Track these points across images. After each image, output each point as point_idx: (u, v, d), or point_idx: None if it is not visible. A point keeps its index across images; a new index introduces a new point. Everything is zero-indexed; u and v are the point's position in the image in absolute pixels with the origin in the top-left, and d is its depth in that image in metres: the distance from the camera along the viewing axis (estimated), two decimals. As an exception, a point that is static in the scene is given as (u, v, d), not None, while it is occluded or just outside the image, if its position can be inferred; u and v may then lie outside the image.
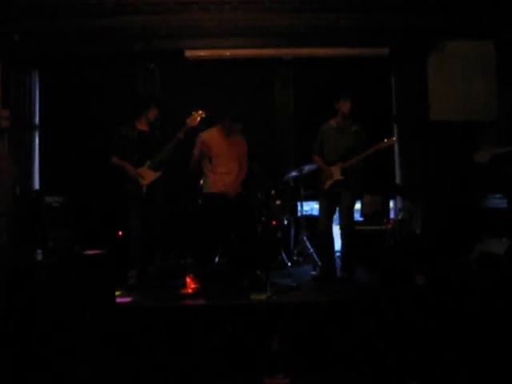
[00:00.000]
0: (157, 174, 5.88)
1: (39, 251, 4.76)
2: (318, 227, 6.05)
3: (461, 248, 5.93)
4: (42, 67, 7.99)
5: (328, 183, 5.94)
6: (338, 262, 6.28)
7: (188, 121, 5.70)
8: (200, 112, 5.71)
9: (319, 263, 6.59)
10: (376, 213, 7.49)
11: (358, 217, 7.34)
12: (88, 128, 7.70)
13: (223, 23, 7.45)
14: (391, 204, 8.03)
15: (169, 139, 5.86)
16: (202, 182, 5.99)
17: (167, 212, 7.28)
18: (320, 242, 6.20)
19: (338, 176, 5.87)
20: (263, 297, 4.95)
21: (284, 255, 6.66)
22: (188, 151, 5.89)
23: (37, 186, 7.84)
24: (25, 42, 7.34)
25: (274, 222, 6.70)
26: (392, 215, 7.91)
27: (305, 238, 6.89)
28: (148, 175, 5.81)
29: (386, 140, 5.81)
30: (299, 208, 7.21)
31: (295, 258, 6.99)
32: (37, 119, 7.98)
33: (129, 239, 5.89)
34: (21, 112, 7.80)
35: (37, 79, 7.99)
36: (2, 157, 0.71)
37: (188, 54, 7.75)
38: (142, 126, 5.93)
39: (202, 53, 7.80)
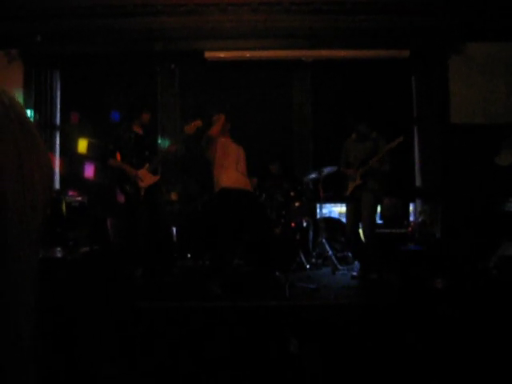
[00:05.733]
0: (155, 178, 5.89)
1: (59, 249, 4.80)
2: (346, 231, 6.33)
3: (481, 252, 5.87)
4: (62, 68, 8.07)
5: (349, 188, 6.04)
6: (357, 264, 6.42)
7: (185, 129, 5.77)
8: (197, 121, 5.76)
9: (338, 266, 6.59)
10: (396, 216, 7.44)
11: (377, 220, 7.31)
12: (107, 128, 7.74)
13: (242, 25, 7.46)
14: (411, 207, 7.98)
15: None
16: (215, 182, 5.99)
17: (183, 212, 7.32)
18: (351, 246, 6.52)
19: (357, 181, 5.97)
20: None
21: (303, 257, 6.63)
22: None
23: (57, 185, 7.89)
24: (46, 43, 7.41)
25: (292, 224, 6.68)
26: (412, 218, 7.85)
27: (324, 241, 6.86)
28: (147, 178, 5.81)
29: (395, 140, 5.91)
30: (318, 210, 7.18)
31: (314, 260, 6.95)
32: (58, 119, 8.04)
33: (129, 239, 5.92)
34: (42, 112, 7.86)
35: (58, 79, 8.07)
36: (41, 149, 0.71)
37: (207, 55, 7.77)
38: (137, 128, 5.94)
39: (221, 54, 7.81)
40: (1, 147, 0.55)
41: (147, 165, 5.81)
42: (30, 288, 0.59)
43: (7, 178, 0.55)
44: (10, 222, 0.55)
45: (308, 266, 6.59)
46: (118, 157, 5.83)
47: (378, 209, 6.47)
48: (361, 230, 6.15)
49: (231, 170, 5.64)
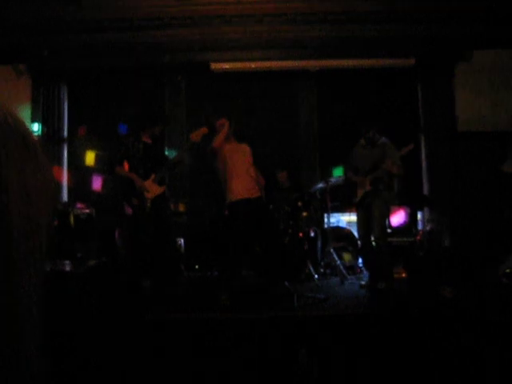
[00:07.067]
0: (161, 189, 5.87)
1: (67, 262, 4.81)
2: (359, 240, 6.34)
3: (490, 260, 5.84)
4: (70, 81, 8.13)
5: (359, 195, 6.01)
6: (365, 273, 6.43)
7: (192, 136, 5.78)
8: (203, 129, 5.77)
9: (347, 275, 6.57)
10: (404, 224, 7.41)
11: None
12: (114, 140, 7.77)
13: (248, 36, 7.47)
14: (419, 215, 7.95)
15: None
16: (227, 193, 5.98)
17: (191, 223, 7.33)
18: (362, 254, 6.55)
19: (367, 187, 5.93)
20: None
21: (311, 267, 6.61)
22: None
23: (65, 198, 7.93)
24: (53, 57, 7.46)
25: (300, 234, 6.67)
26: (420, 226, 7.82)
27: (332, 250, 6.83)
28: (153, 189, 5.79)
29: (405, 147, 5.87)
30: (326, 220, 7.17)
31: (322, 270, 6.92)
32: (65, 132, 8.10)
33: (136, 250, 5.92)
34: (50, 126, 7.92)
35: (65, 93, 8.13)
36: (45, 168, 0.72)
37: (213, 66, 7.80)
38: (146, 138, 5.93)
39: (227, 65, 7.84)
40: (5, 167, 0.56)
41: (153, 175, 5.81)
42: (35, 302, 0.60)
43: (12, 196, 0.56)
44: (14, 238, 0.57)
45: (316, 276, 6.57)
46: (126, 167, 5.84)
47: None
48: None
49: (241, 179, 5.65)
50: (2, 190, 0.55)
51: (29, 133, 0.64)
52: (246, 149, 5.90)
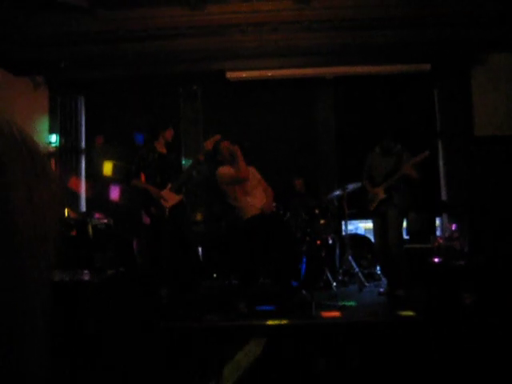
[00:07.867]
0: (179, 197, 5.89)
1: (86, 271, 4.84)
2: (375, 248, 6.36)
3: (509, 266, 5.77)
4: (87, 92, 8.21)
5: (374, 204, 5.98)
6: (384, 281, 6.41)
7: (205, 144, 5.81)
8: (216, 136, 5.79)
9: (365, 283, 6.54)
10: (422, 231, 7.36)
11: (404, 235, 7.24)
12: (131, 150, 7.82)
13: (263, 44, 7.47)
14: (437, 221, 7.89)
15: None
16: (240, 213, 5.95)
17: (209, 232, 7.34)
18: (380, 262, 6.62)
19: (381, 195, 5.91)
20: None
21: (329, 275, 6.58)
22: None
23: (83, 208, 7.99)
24: (70, 68, 7.53)
25: (318, 242, 6.65)
26: (438, 233, 7.76)
27: (350, 258, 6.80)
28: (170, 198, 5.82)
29: (420, 155, 5.84)
30: (344, 227, 7.14)
31: (340, 277, 6.88)
32: (83, 143, 8.16)
33: (155, 259, 5.94)
34: (67, 136, 8.00)
35: (82, 104, 8.21)
36: (52, 180, 0.73)
37: (229, 75, 7.82)
38: (160, 147, 5.96)
39: (243, 74, 7.86)
40: (11, 180, 0.57)
41: (170, 185, 5.83)
42: (41, 309, 0.61)
43: (18, 210, 0.57)
44: (21, 251, 0.57)
45: (334, 284, 6.54)
46: (143, 177, 5.87)
47: (404, 223, 6.39)
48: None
49: (251, 197, 5.69)
50: (6, 199, 0.56)
51: (35, 144, 0.64)
52: (252, 171, 5.92)
